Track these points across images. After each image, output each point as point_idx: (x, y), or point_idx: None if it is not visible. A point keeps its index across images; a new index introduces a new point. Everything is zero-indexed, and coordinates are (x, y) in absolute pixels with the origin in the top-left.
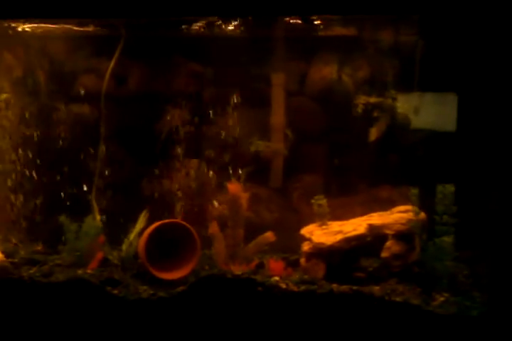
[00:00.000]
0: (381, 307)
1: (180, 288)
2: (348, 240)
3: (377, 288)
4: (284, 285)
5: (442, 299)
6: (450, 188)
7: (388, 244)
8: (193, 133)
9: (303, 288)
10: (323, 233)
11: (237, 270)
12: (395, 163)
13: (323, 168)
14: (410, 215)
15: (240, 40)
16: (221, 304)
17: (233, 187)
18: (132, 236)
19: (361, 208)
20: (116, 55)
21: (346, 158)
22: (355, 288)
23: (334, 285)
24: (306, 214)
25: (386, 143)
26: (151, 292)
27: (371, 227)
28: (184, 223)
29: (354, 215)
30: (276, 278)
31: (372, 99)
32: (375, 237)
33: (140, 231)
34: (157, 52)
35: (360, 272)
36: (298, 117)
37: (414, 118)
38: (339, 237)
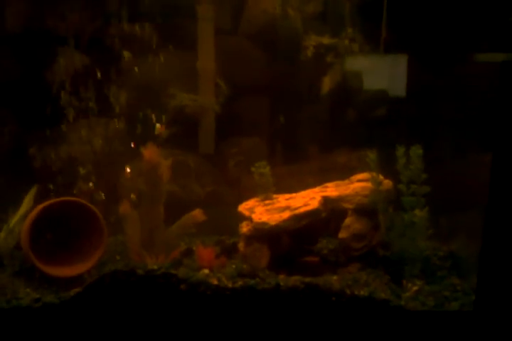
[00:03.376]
0: (341, 304)
1: (74, 291)
2: (297, 218)
3: (335, 278)
4: (215, 281)
5: (415, 288)
6: (417, 151)
7: (347, 221)
8: (96, 84)
9: (240, 283)
10: (266, 210)
11: (153, 262)
12: (354, 121)
13: (266, 128)
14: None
15: None
16: (128, 312)
17: (149, 153)
18: (14, 221)
19: (314, 177)
20: None
21: (294, 116)
22: (307, 280)
23: (281, 277)
24: (246, 186)
25: (343, 96)
26: (36, 296)
27: (326, 201)
28: (84, 202)
29: (305, 186)
30: (206, 271)
31: (326, 40)
32: (332, 213)
33: (25, 215)
34: None
35: (313, 257)
36: (232, 63)
37: (377, 67)
38: (286, 215)
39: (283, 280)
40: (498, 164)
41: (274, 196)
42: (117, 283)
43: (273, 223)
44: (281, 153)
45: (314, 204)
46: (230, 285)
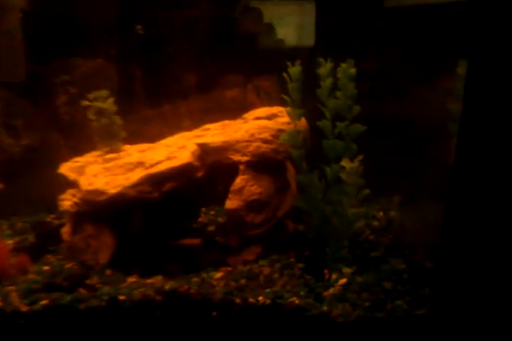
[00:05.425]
0: (225, 322)
1: None
2: (155, 180)
3: (219, 275)
4: None
5: (343, 281)
6: (348, 69)
7: (239, 182)
8: None
9: (44, 302)
10: (105, 169)
11: None
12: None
13: (116, 45)
14: (278, 123)
15: None
16: None
17: None
18: None
19: (195, 119)
20: None
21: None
22: (170, 284)
23: (130, 281)
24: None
25: None
26: None
27: (204, 151)
28: None
29: (174, 130)
30: None
31: None
32: (213, 170)
33: None
34: None
35: (191, 240)
36: None
37: None
38: (137, 175)
39: (130, 287)
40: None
41: (125, 147)
42: None
43: (113, 190)
44: (145, 85)
45: (184, 156)
46: (23, 308)
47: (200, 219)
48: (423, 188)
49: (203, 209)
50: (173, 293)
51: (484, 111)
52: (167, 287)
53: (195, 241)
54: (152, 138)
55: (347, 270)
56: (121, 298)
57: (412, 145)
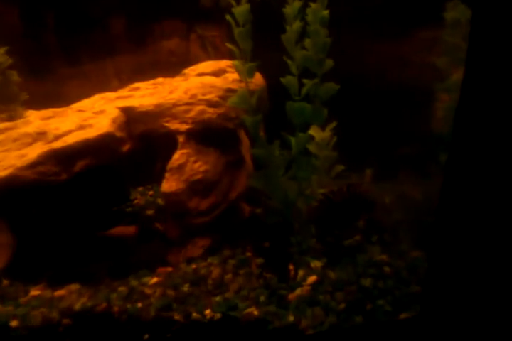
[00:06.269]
0: None
1: None
2: (62, 158)
3: (155, 280)
4: None
5: (312, 279)
6: (319, 10)
7: (178, 157)
8: None
9: None
10: None
11: None
12: None
13: None
14: (228, 81)
15: None
16: None
17: None
18: None
19: (119, 75)
20: None
21: None
22: (84, 303)
23: (33, 294)
24: None
25: None
26: None
27: (131, 117)
28: None
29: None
30: None
31: None
32: (148, 142)
33: None
34: None
35: (124, 227)
36: None
37: None
38: (35, 152)
39: (30, 304)
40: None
41: (27, 113)
42: None
43: (3, 173)
44: (60, 37)
45: (102, 125)
46: None
47: (136, 201)
48: (400, 160)
49: (141, 189)
50: (86, 313)
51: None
52: (77, 306)
53: (129, 229)
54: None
55: (316, 263)
56: (13, 323)
57: (390, 110)
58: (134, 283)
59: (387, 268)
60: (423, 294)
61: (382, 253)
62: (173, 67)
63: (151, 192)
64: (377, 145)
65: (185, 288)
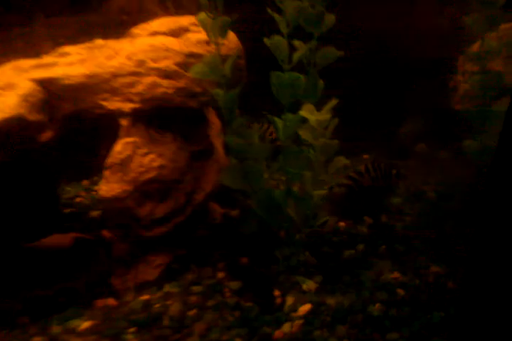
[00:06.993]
0: None
1: None
2: None
3: (86, 324)
4: None
5: (305, 310)
6: None
7: (120, 149)
8: None
9: None
10: None
11: None
12: None
13: None
14: (190, 42)
15: None
16: None
17: None
18: None
19: (55, 39)
20: None
21: None
22: None
23: None
24: None
25: None
26: None
27: (53, 92)
28: None
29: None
30: None
31: None
32: (78, 127)
33: None
34: None
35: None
36: None
37: None
38: None
39: None
40: None
41: None
42: None
43: None
44: None
45: (6, 105)
46: None
47: (79, 200)
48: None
49: (86, 183)
50: None
51: None
52: None
53: (63, 239)
54: None
55: (309, 285)
56: None
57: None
58: (56, 330)
59: (400, 291)
60: (452, 325)
61: (392, 267)
62: (125, 28)
63: (97, 187)
64: (381, 123)
65: (130, 335)
